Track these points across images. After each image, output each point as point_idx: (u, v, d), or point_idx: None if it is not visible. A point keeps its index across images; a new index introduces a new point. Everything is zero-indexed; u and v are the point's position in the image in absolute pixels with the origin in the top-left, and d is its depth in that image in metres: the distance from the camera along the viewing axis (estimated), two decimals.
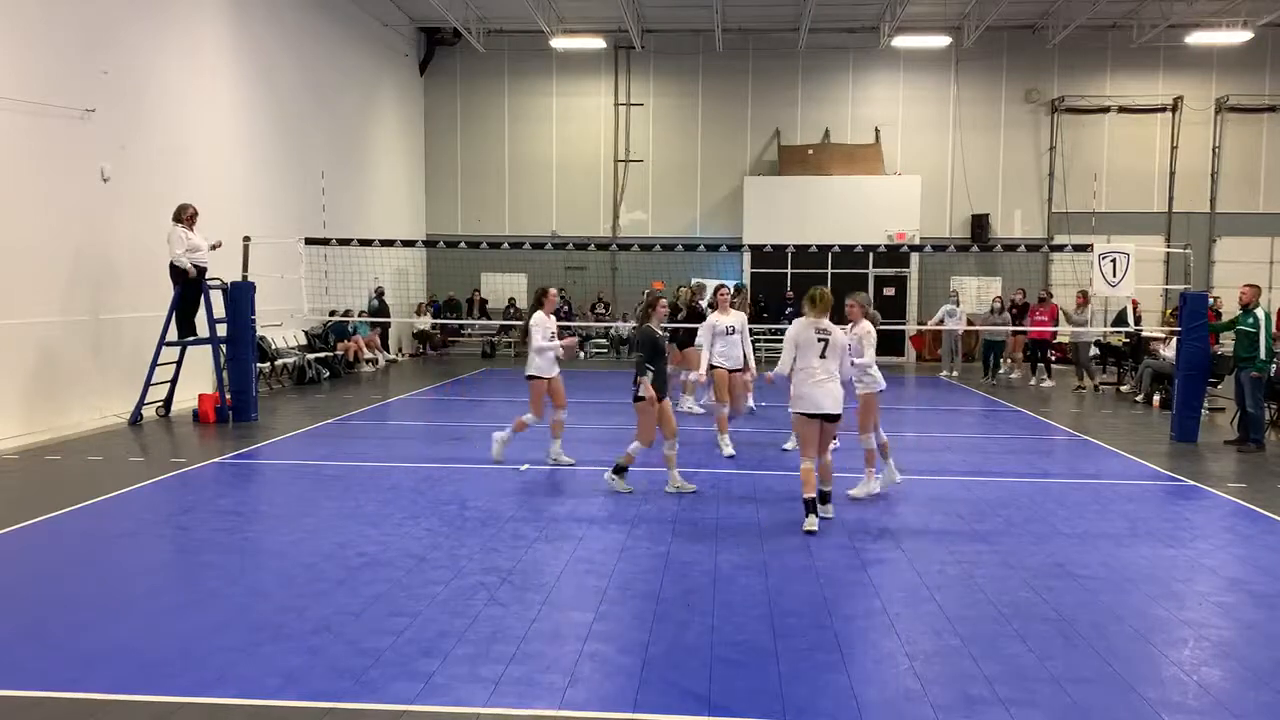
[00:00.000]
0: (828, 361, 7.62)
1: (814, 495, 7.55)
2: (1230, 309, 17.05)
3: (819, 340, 7.62)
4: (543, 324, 9.75)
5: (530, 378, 9.76)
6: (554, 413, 9.91)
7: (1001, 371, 19.07)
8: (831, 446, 8.27)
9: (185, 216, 12.25)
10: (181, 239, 12.18)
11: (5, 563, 6.59)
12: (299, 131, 18.15)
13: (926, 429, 13.13)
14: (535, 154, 25.17)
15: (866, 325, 8.53)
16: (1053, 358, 19.44)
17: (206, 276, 12.58)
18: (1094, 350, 19.01)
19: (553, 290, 10.14)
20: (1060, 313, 18.50)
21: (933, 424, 13.67)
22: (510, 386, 17.64)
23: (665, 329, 9.07)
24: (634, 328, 8.64)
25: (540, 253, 24.24)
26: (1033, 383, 18.62)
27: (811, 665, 4.87)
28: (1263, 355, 11.27)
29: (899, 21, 21.40)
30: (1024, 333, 18.96)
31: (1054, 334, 18.60)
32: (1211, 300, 14.53)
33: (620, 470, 8.68)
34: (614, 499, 8.45)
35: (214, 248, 12.46)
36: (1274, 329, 11.85)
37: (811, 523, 7.45)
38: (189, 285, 12.38)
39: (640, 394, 8.32)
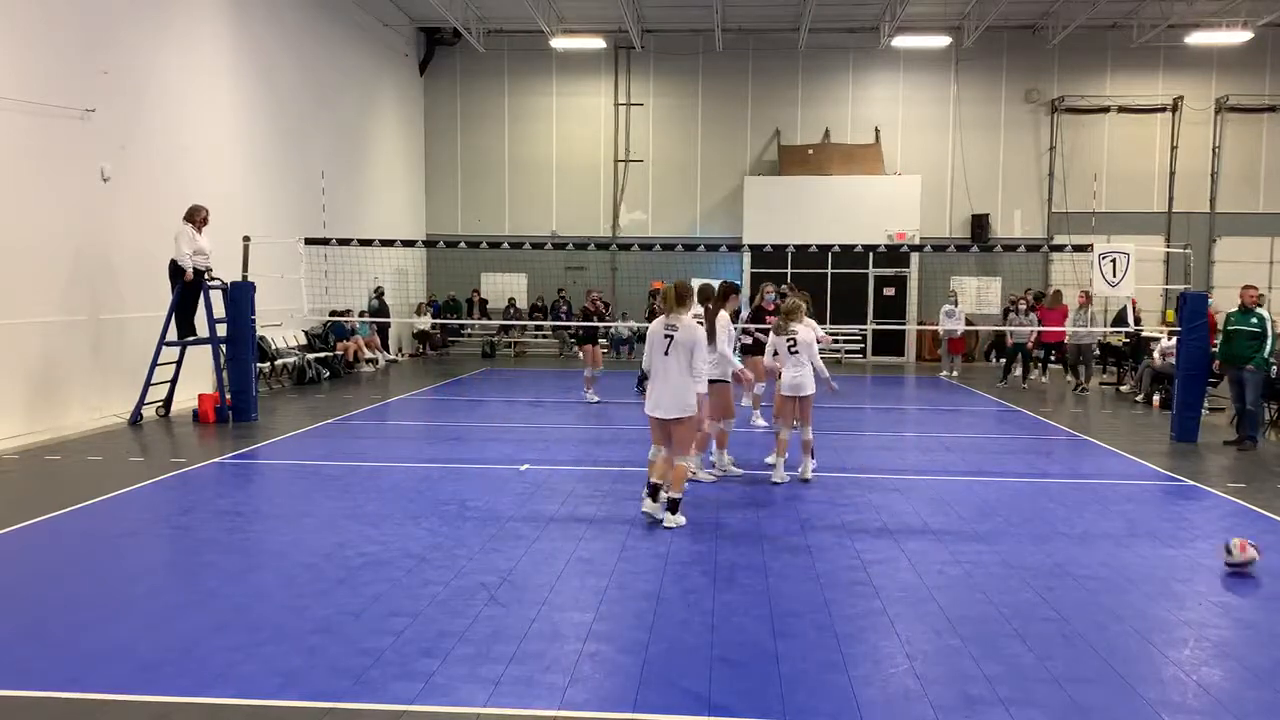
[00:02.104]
0: (670, 360, 7.43)
1: (653, 481, 7.61)
2: (1225, 309, 17.07)
3: (664, 337, 7.49)
4: (728, 326, 9.24)
5: (712, 382, 9.17)
6: (720, 422, 9.53)
7: (1015, 373, 18.56)
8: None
9: (198, 219, 12.26)
10: (190, 239, 12.19)
11: (5, 563, 6.59)
12: (299, 131, 18.16)
13: (927, 429, 13.13)
14: (535, 154, 25.18)
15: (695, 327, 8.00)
16: (1053, 357, 19.45)
17: (208, 277, 12.59)
18: (1095, 350, 18.99)
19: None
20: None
21: (933, 424, 13.67)
22: (511, 386, 17.65)
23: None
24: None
25: (540, 253, 24.25)
26: (1039, 377, 18.65)
27: (811, 665, 4.87)
28: (1267, 352, 11.33)
29: (899, 21, 21.41)
30: (1042, 333, 18.78)
31: (1065, 334, 18.53)
32: (1211, 301, 14.53)
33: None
34: (613, 499, 8.44)
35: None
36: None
37: (645, 504, 7.57)
38: (189, 285, 12.38)
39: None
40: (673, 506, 7.49)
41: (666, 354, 7.43)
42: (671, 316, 7.51)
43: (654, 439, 7.74)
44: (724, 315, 9.25)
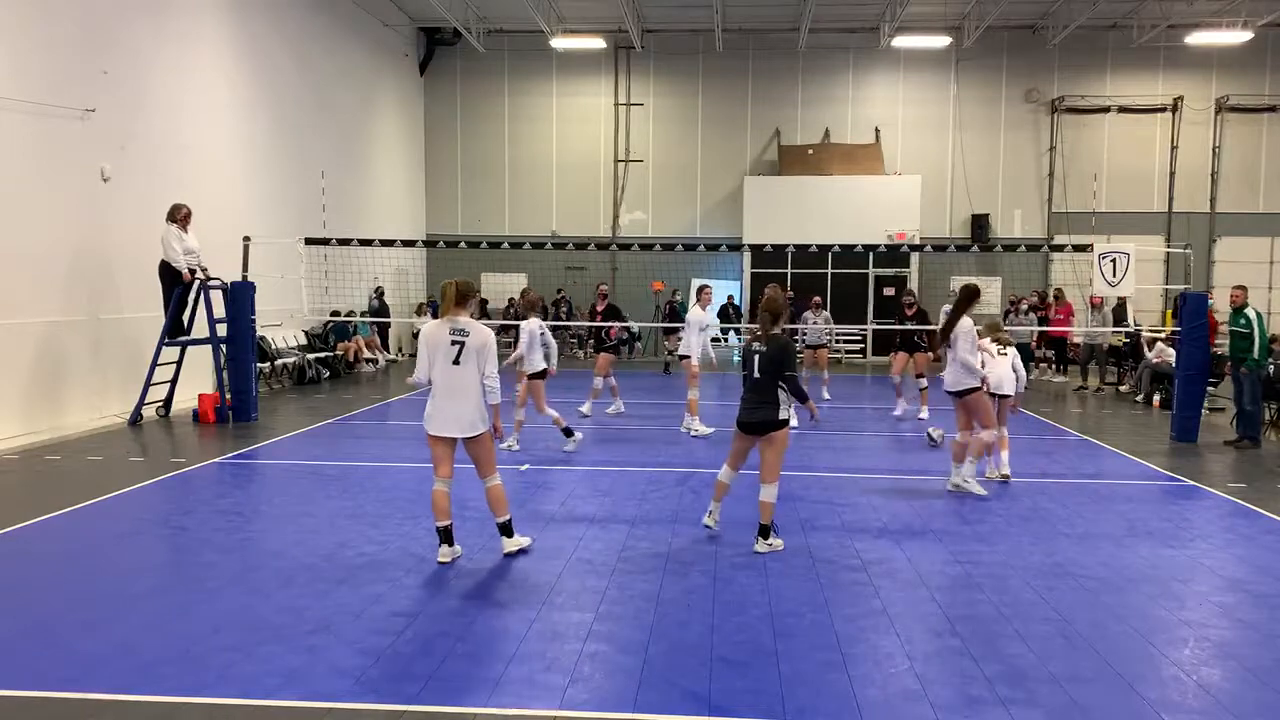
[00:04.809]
0: (463, 369, 6.34)
1: (444, 524, 6.48)
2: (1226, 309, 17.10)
3: (453, 344, 6.38)
4: (971, 332, 8.80)
5: (969, 391, 8.85)
6: (985, 431, 9.22)
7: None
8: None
9: (179, 217, 12.24)
10: (178, 238, 12.18)
11: (5, 563, 6.59)
12: (299, 131, 18.15)
13: (926, 429, 13.10)
14: (535, 154, 25.17)
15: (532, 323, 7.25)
16: (1049, 355, 19.44)
17: (205, 276, 12.57)
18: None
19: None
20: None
21: (933, 424, 13.65)
22: (510, 386, 17.60)
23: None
24: (757, 337, 6.96)
25: (540, 253, 24.23)
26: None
27: (811, 665, 4.87)
28: (1256, 354, 11.35)
29: (899, 21, 21.41)
30: (1045, 332, 18.76)
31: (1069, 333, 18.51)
32: (1211, 301, 14.54)
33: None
34: (612, 499, 8.44)
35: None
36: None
37: (443, 553, 6.48)
38: (186, 286, 12.36)
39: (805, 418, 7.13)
40: (506, 529, 6.67)
41: (457, 362, 6.34)
42: (453, 319, 6.44)
43: (439, 470, 6.47)
44: (966, 320, 8.78)
